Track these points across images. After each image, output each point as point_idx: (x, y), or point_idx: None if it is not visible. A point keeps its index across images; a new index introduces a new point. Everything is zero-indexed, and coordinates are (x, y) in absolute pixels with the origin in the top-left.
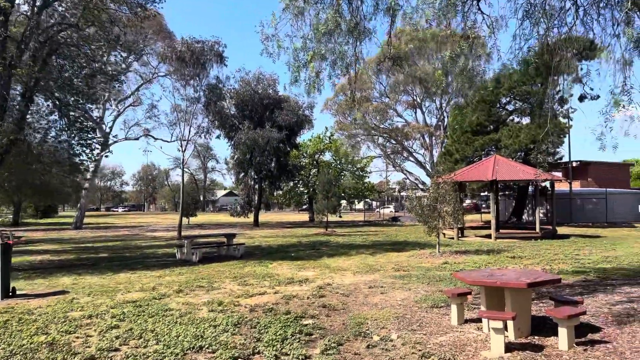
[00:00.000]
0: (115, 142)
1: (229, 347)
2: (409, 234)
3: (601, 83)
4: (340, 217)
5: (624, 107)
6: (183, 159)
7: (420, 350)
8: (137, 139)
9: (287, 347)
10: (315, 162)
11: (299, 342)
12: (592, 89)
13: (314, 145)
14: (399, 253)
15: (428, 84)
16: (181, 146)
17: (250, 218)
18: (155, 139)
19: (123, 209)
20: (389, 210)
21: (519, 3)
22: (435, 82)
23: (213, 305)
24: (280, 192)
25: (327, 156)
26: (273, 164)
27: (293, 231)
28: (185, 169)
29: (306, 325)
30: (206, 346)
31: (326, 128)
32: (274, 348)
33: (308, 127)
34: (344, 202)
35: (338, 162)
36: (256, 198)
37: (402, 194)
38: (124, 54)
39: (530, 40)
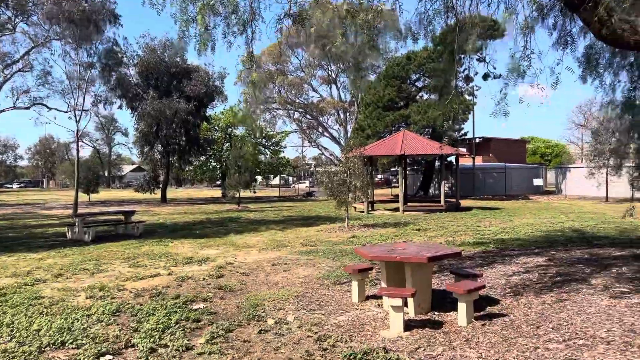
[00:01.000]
0: (0, 111)
1: (98, 340)
2: (322, 208)
3: (505, 62)
4: (254, 192)
5: (523, 72)
6: (77, 131)
7: (316, 332)
8: (27, 108)
9: (167, 337)
10: (228, 136)
11: (182, 330)
12: (495, 68)
13: (226, 118)
14: (308, 228)
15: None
16: (75, 116)
17: (158, 194)
18: (49, 108)
19: (18, 185)
20: (304, 186)
21: None
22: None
23: (94, 290)
24: (191, 167)
25: (241, 130)
26: (182, 137)
27: (204, 207)
28: (87, 142)
29: (195, 310)
30: (70, 341)
31: (239, 100)
32: (152, 339)
33: (220, 99)
34: (259, 178)
35: (252, 136)
36: (163, 173)
37: (317, 169)
38: (9, 13)
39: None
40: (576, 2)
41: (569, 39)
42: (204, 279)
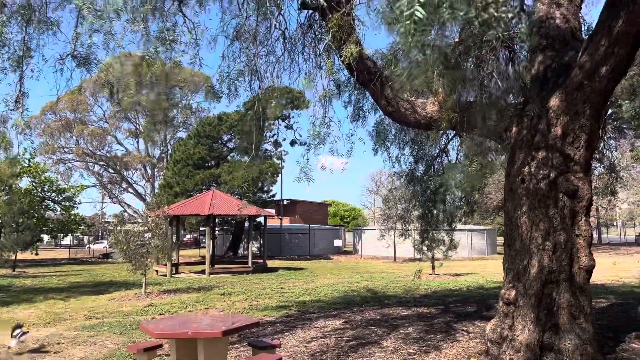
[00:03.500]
0: None
1: None
2: (119, 272)
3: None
4: (36, 254)
5: (323, 138)
6: None
7: None
8: None
9: None
10: (7, 188)
11: None
12: (301, 135)
13: (4, 168)
14: (98, 296)
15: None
16: None
17: None
18: None
19: None
20: (102, 246)
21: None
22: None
23: None
24: None
25: (26, 181)
26: None
27: None
28: None
29: None
30: None
31: (25, 149)
32: None
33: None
34: (45, 237)
35: (40, 189)
36: None
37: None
38: None
39: (239, 63)
40: (366, 80)
41: (361, 113)
42: None
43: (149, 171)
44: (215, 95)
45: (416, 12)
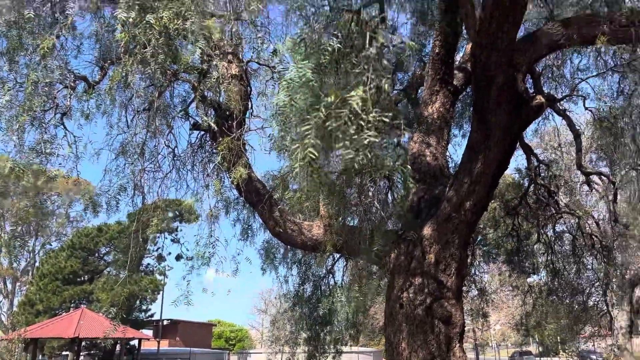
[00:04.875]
0: None
1: None
2: None
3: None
4: None
5: (208, 259)
6: None
7: None
8: None
9: None
10: None
11: None
12: (188, 250)
13: None
14: None
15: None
16: None
17: None
18: None
19: None
20: None
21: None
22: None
23: None
24: None
25: None
26: None
27: None
28: None
29: None
30: None
31: None
32: None
33: None
34: None
35: None
36: None
37: None
38: None
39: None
40: (255, 201)
41: (250, 232)
42: None
43: (10, 285)
44: (95, 209)
45: (309, 154)
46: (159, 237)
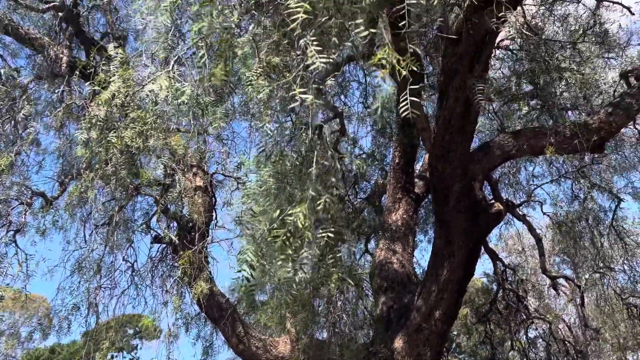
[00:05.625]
0: None
1: None
2: None
3: None
4: None
5: None
6: None
7: None
8: None
9: None
10: None
11: None
12: None
13: None
14: None
15: None
16: None
17: None
18: None
19: None
20: None
21: None
22: None
23: None
24: None
25: None
26: None
27: None
28: None
29: None
30: None
31: None
32: None
33: None
34: None
35: None
36: None
37: None
38: None
39: None
40: (217, 317)
41: (211, 351)
42: None
43: None
44: (45, 333)
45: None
46: (116, 356)
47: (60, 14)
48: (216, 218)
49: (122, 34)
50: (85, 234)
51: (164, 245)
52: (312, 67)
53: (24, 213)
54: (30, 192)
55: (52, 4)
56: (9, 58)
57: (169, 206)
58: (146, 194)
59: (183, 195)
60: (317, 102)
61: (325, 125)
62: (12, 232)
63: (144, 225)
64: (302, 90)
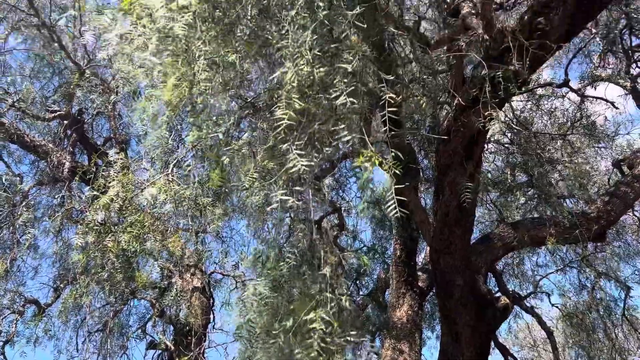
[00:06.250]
0: None
1: None
2: None
3: None
4: None
5: None
6: None
7: None
8: None
9: None
10: None
11: None
12: None
13: None
14: None
15: None
16: None
17: None
18: None
19: None
20: None
21: None
22: None
23: None
24: None
25: None
26: None
27: None
28: None
29: None
30: None
31: None
32: None
33: None
34: None
35: None
36: None
37: None
38: None
39: None
40: None
41: None
42: None
43: None
44: None
45: None
46: None
47: (65, 121)
48: (214, 320)
49: (124, 138)
50: (77, 342)
51: (160, 351)
52: (293, 170)
53: (14, 322)
54: (23, 299)
55: (57, 113)
56: (13, 164)
57: (165, 309)
58: (142, 297)
59: (180, 298)
60: (316, 198)
61: (325, 219)
62: (1, 343)
63: (139, 331)
64: (282, 192)
